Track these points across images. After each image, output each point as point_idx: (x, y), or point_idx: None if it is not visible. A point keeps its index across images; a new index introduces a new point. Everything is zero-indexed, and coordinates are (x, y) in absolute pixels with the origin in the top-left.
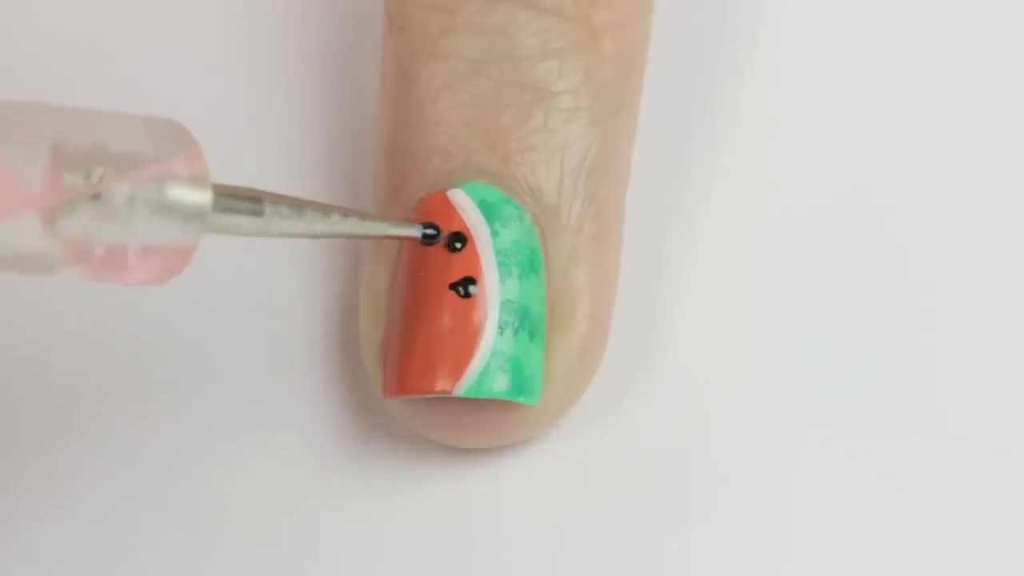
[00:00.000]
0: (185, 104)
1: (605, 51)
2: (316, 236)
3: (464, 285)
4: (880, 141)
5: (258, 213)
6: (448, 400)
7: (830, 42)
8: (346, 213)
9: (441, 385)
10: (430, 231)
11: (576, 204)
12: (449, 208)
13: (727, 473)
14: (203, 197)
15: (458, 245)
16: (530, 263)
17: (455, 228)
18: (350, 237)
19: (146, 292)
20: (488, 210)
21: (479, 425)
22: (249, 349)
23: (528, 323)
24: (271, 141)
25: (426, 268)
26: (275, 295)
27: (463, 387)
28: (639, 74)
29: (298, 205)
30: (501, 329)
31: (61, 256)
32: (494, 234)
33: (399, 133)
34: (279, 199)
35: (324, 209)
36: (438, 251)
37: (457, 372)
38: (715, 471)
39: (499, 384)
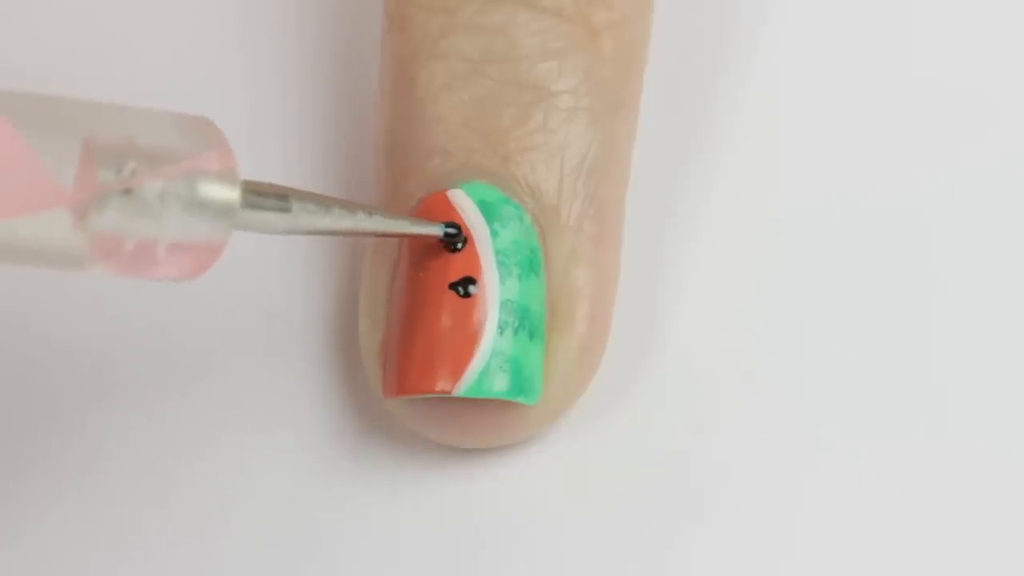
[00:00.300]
0: (183, 103)
1: (605, 51)
2: (341, 234)
3: (464, 285)
4: (880, 141)
5: (285, 210)
6: (448, 400)
7: (830, 42)
8: (370, 211)
9: (441, 385)
10: (451, 230)
11: (576, 204)
12: (449, 208)
13: (727, 473)
14: (232, 193)
15: (458, 245)
16: (530, 263)
17: None
18: (373, 235)
19: (146, 294)
20: (488, 210)
21: (479, 425)
22: (249, 350)
23: (528, 323)
24: (269, 141)
25: (426, 268)
26: (275, 296)
27: (463, 387)
28: (639, 74)
29: (325, 202)
30: (501, 329)
31: (89, 251)
32: (494, 234)
33: (399, 133)
34: (306, 196)
35: (349, 207)
36: (438, 251)
37: (457, 372)
38: (715, 471)
39: (499, 384)
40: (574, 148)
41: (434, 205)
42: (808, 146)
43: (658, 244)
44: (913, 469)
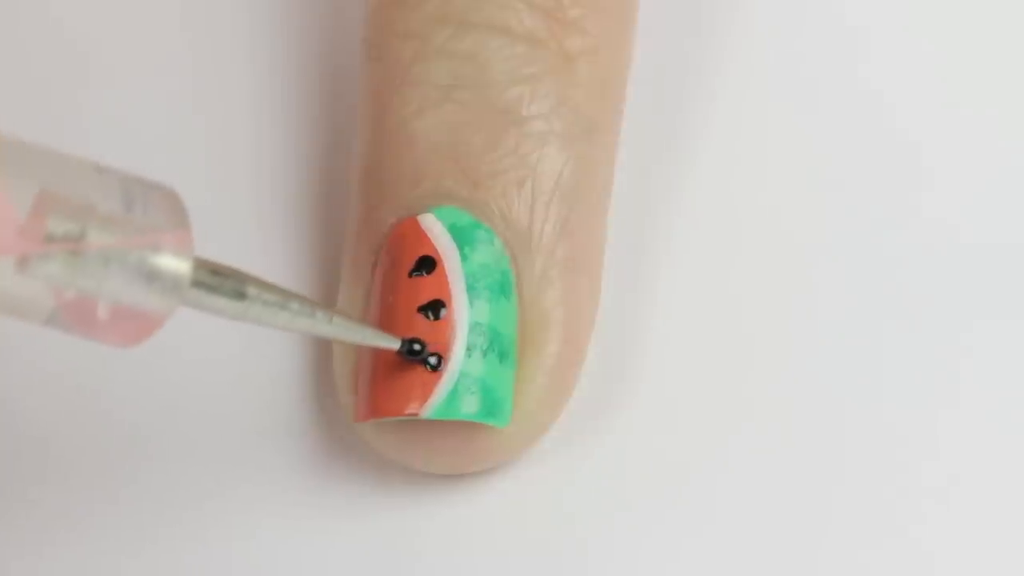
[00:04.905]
0: (165, 118)
1: (579, 76)
2: (295, 331)
3: (433, 309)
4: (878, 147)
5: (240, 296)
6: (418, 424)
7: (827, 46)
8: (331, 316)
9: (410, 408)
10: (416, 347)
11: (547, 228)
12: (419, 233)
13: (703, 502)
14: (183, 268)
15: (428, 270)
16: (500, 286)
17: (425, 252)
18: (331, 338)
19: None
20: (458, 234)
21: (449, 449)
22: (220, 378)
23: (498, 345)
24: (253, 166)
25: (396, 292)
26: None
27: (431, 409)
28: (616, 97)
29: (284, 296)
30: (469, 351)
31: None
32: (463, 257)
33: (373, 159)
34: (265, 286)
35: (310, 306)
36: (407, 276)
37: (425, 394)
38: (690, 500)
39: (467, 406)
40: (546, 172)
41: (405, 230)
42: (798, 161)
43: (637, 267)
44: (905, 478)
